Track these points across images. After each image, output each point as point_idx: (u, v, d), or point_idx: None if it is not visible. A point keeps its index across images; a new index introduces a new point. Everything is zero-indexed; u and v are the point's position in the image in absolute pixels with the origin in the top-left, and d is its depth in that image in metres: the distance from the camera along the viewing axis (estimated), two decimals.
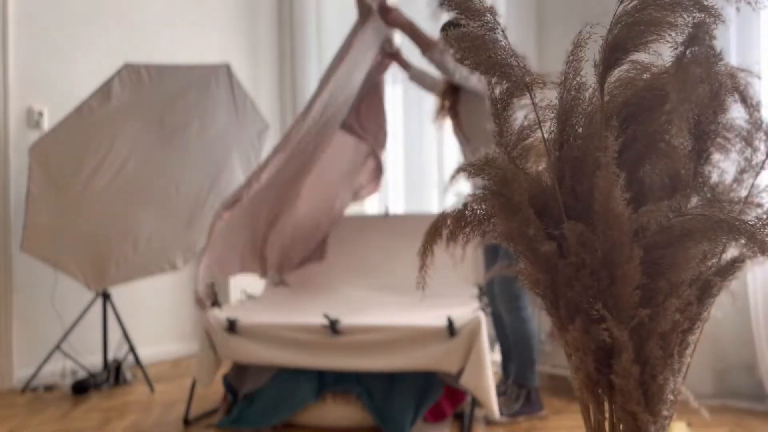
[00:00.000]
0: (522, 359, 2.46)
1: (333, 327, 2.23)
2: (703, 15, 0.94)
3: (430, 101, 3.62)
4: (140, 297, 3.57)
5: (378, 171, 3.33)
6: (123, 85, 2.79)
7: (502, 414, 2.32)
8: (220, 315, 2.37)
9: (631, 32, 0.97)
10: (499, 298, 2.54)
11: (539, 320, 2.76)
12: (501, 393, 2.56)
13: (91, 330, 3.29)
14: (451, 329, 2.14)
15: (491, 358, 2.25)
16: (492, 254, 2.62)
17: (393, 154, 3.83)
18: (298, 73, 4.29)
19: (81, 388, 2.90)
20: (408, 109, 3.73)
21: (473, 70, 1.06)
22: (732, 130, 1.04)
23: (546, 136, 1.07)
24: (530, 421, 2.40)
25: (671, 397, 0.99)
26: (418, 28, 2.56)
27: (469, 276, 2.80)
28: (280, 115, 4.41)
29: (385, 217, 3.30)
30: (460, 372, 2.17)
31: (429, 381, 2.28)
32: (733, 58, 2.50)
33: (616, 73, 1.03)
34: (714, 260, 1.03)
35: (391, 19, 2.60)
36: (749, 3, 0.93)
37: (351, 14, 4.04)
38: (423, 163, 3.69)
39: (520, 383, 2.45)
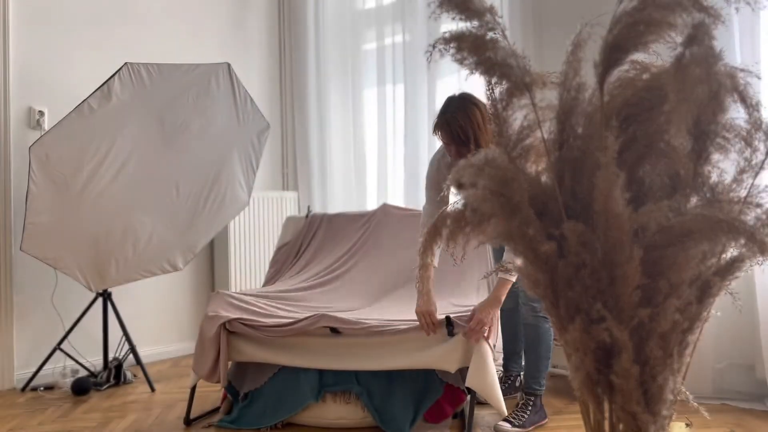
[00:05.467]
0: (538, 363, 2.34)
1: (332, 327, 2.24)
2: (702, 15, 0.94)
3: (428, 100, 3.63)
4: (140, 297, 3.57)
5: None
6: (123, 85, 2.79)
7: (513, 425, 2.24)
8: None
9: (631, 32, 0.97)
10: (523, 297, 2.42)
11: None
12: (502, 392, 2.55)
13: (91, 330, 3.30)
14: (449, 329, 2.14)
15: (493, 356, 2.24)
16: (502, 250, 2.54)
17: (393, 151, 3.83)
18: (297, 72, 4.29)
19: (81, 388, 2.90)
20: (407, 107, 3.73)
21: (473, 72, 1.06)
22: (732, 130, 1.04)
23: (546, 136, 1.07)
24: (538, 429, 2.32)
25: (671, 397, 0.99)
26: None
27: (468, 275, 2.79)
28: (280, 114, 4.41)
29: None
30: (461, 372, 2.17)
31: (429, 381, 2.28)
32: (737, 58, 2.49)
33: (616, 73, 1.04)
34: (714, 260, 1.03)
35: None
36: (749, 3, 0.93)
37: (350, 12, 4.05)
38: (421, 161, 3.68)
39: (529, 390, 2.33)
